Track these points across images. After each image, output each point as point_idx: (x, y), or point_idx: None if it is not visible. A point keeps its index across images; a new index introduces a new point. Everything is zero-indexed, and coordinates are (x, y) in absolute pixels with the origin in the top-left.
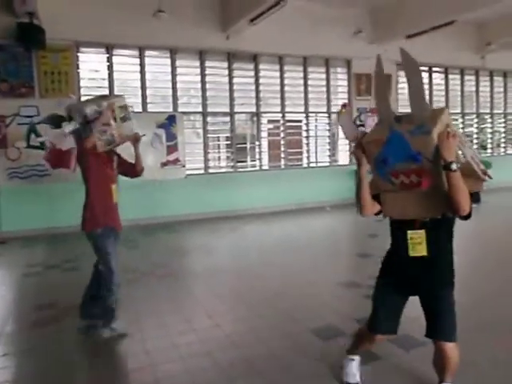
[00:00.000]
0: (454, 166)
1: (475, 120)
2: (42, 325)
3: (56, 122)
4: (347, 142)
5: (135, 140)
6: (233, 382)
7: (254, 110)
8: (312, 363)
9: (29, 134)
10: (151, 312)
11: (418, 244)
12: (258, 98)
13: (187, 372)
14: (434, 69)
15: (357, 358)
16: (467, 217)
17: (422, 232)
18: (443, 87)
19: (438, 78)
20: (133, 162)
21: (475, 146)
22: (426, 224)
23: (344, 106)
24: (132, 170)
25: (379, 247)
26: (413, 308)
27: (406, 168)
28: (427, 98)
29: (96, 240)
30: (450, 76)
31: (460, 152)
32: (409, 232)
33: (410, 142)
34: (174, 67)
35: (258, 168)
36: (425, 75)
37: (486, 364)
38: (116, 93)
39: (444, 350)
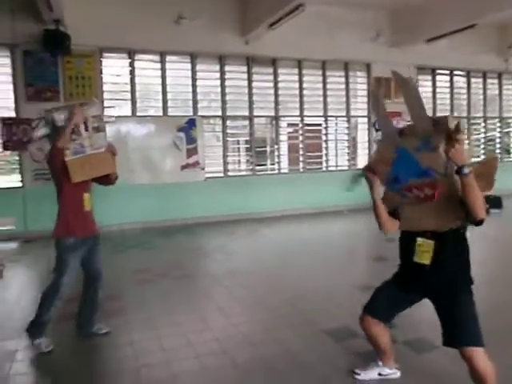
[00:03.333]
0: (465, 170)
1: (498, 124)
2: (65, 319)
3: None
4: (366, 145)
5: (111, 150)
6: (248, 380)
7: (272, 113)
8: (325, 363)
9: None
10: (165, 311)
11: (425, 252)
12: (276, 101)
13: (203, 369)
14: (455, 72)
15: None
16: (480, 222)
17: (432, 242)
18: (465, 91)
19: (459, 82)
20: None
21: (498, 150)
22: (436, 235)
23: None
24: (105, 178)
25: (395, 252)
26: (427, 312)
27: (420, 183)
28: (427, 108)
29: (61, 249)
30: (473, 79)
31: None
32: (418, 239)
33: (418, 159)
34: (194, 71)
35: (276, 171)
36: (446, 78)
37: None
38: (94, 100)
39: (467, 358)
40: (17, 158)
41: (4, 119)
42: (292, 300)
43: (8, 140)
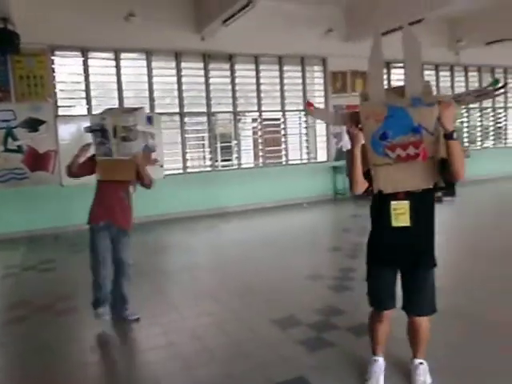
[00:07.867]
0: (455, 135)
1: None
2: (14, 322)
3: (33, 125)
4: (325, 139)
5: (137, 161)
6: (193, 371)
7: (231, 109)
8: (269, 351)
9: (6, 138)
10: None
11: (401, 214)
12: (234, 97)
13: (149, 363)
14: None
15: (380, 358)
16: (453, 186)
17: (406, 203)
18: None
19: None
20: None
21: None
22: (409, 195)
23: (309, 104)
24: (141, 182)
25: (351, 241)
26: None
27: (405, 141)
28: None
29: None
30: (426, 72)
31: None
32: (392, 203)
33: (412, 115)
34: (150, 69)
35: (236, 167)
36: (399, 71)
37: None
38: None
39: (415, 323)
40: None
41: None
42: (243, 293)
43: None
